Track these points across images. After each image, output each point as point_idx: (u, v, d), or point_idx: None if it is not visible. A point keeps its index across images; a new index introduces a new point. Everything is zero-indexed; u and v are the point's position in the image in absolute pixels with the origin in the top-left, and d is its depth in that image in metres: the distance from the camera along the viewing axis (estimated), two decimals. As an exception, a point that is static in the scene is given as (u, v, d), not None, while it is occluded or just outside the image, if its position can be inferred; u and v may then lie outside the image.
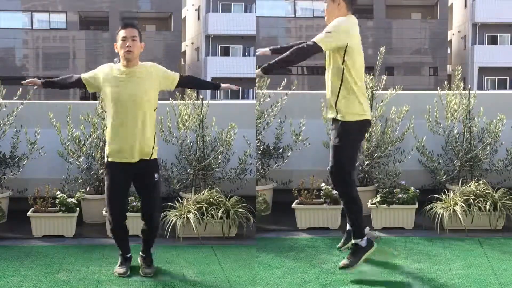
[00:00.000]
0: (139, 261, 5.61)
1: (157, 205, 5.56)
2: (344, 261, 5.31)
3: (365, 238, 5.33)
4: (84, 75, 5.45)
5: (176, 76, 5.48)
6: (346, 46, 5.10)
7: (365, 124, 5.31)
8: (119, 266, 5.57)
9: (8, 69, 37.40)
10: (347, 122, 5.19)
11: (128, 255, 5.64)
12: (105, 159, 5.41)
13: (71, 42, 39.63)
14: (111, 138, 5.31)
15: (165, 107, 7.33)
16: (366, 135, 6.51)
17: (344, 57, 5.12)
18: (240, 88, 5.43)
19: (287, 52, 5.14)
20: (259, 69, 5.21)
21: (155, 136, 5.41)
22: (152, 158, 5.38)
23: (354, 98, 5.17)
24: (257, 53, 5.68)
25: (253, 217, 6.57)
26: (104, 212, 6.60)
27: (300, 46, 5.14)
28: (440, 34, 40.15)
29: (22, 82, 5.50)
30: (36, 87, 5.52)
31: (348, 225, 5.58)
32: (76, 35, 39.71)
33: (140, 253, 5.63)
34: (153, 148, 5.38)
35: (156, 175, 5.42)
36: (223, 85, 5.86)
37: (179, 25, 41.23)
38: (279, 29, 39.42)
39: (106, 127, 5.42)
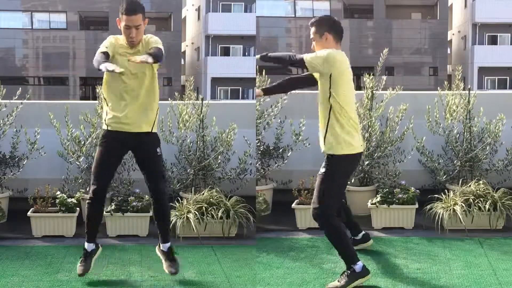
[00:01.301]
0: (157, 252, 5.48)
1: (163, 178, 5.41)
2: (334, 283, 5.11)
3: (359, 263, 5.13)
4: (104, 50, 5.08)
5: (153, 45, 5.13)
6: (331, 76, 5.03)
7: (355, 158, 5.20)
8: (80, 263, 5.36)
9: (8, 69, 37.50)
10: (335, 156, 5.11)
11: (93, 246, 5.41)
12: (104, 127, 5.28)
13: (71, 42, 39.74)
14: (112, 108, 5.20)
15: (165, 107, 7.32)
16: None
17: (330, 88, 5.06)
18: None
19: (284, 80, 5.41)
20: (260, 89, 5.45)
21: (157, 111, 5.28)
22: (152, 131, 5.28)
23: (344, 131, 5.07)
24: (255, 94, 5.77)
25: (253, 217, 6.57)
26: (104, 212, 6.60)
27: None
28: (440, 34, 40.20)
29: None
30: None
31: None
32: (76, 35, 39.79)
33: (161, 245, 5.44)
34: (154, 121, 5.27)
35: (158, 150, 5.31)
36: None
37: (179, 25, 41.33)
38: (279, 29, 39.46)
39: (105, 99, 5.27)
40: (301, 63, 5.10)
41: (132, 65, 5.06)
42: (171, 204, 6.60)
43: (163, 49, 5.06)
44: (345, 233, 5.31)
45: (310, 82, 5.39)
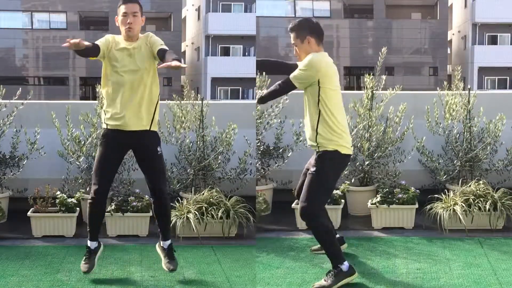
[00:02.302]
0: (157, 250, 5.52)
1: (164, 178, 5.42)
2: (321, 282, 5.12)
3: (345, 262, 5.14)
4: (98, 42, 5.17)
5: (156, 49, 5.13)
6: (318, 82, 5.03)
7: (344, 158, 5.20)
8: (84, 261, 5.39)
9: (8, 69, 37.54)
10: (326, 151, 5.11)
11: (96, 244, 5.45)
12: (104, 126, 5.28)
13: None
14: (110, 105, 5.19)
15: (164, 107, 7.34)
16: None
17: (318, 94, 5.06)
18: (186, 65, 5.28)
19: (275, 86, 5.28)
20: (256, 100, 5.51)
21: (156, 109, 5.26)
22: (151, 129, 5.25)
23: (333, 131, 5.08)
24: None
25: (253, 217, 6.58)
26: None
27: (279, 84, 5.23)
28: (440, 34, 40.24)
29: (65, 43, 4.79)
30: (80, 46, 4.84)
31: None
32: (75, 35, 39.69)
33: (161, 242, 5.48)
34: (152, 119, 5.24)
35: (158, 149, 5.29)
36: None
37: (179, 25, 41.38)
38: (279, 29, 39.43)
39: (104, 96, 5.27)
40: (290, 86, 5.14)
41: (132, 61, 5.13)
42: (171, 204, 6.66)
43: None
44: (333, 232, 5.35)
45: (293, 88, 5.28)
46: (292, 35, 5.24)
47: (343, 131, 5.15)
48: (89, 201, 5.33)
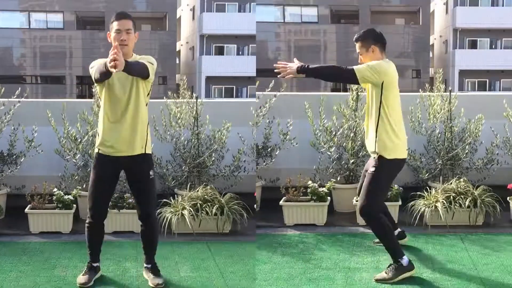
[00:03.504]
0: (144, 275, 5.34)
1: (154, 202, 5.26)
2: (382, 275, 5.25)
3: (405, 257, 5.27)
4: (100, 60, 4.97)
5: (143, 60, 5.00)
6: (382, 84, 5.15)
7: (400, 162, 5.38)
8: (82, 274, 5.23)
9: (6, 68, 37.32)
10: (385, 158, 5.27)
11: (96, 265, 5.31)
12: (96, 150, 5.12)
13: (68, 42, 39.64)
14: (102, 130, 5.04)
15: (159, 106, 7.41)
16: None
17: (381, 96, 5.18)
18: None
19: (325, 65, 5.24)
20: (296, 67, 5.13)
21: (147, 131, 5.13)
22: (146, 152, 5.10)
23: (391, 137, 5.24)
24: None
25: (246, 214, 6.64)
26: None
27: (338, 66, 5.21)
28: (423, 38, 40.72)
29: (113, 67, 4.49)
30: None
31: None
32: (73, 34, 39.68)
33: (145, 265, 5.34)
34: (146, 142, 5.10)
35: (151, 172, 5.13)
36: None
37: (174, 25, 41.16)
38: (269, 33, 39.62)
39: (99, 106, 5.13)
40: (350, 74, 5.11)
41: (124, 81, 4.95)
42: (166, 200, 6.69)
43: (150, 67, 4.93)
44: (391, 228, 5.43)
45: (353, 80, 5.23)
46: (357, 44, 5.35)
47: (400, 136, 5.31)
48: (86, 225, 5.23)
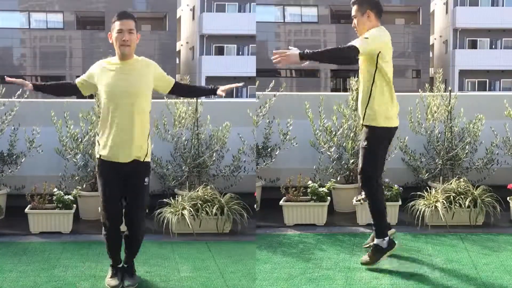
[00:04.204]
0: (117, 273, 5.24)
1: (142, 211, 5.07)
2: (365, 257, 5.47)
3: (386, 238, 5.43)
4: (78, 80, 5.11)
5: (171, 81, 5.18)
6: (379, 53, 5.19)
7: (391, 131, 5.44)
8: (110, 277, 5.17)
9: (6, 68, 37.28)
10: (374, 127, 5.33)
11: (120, 266, 5.23)
12: (97, 156, 5.04)
13: (68, 42, 39.66)
14: (103, 135, 4.96)
15: (160, 105, 7.42)
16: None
17: (376, 64, 5.21)
18: (242, 83, 5.06)
19: (324, 49, 5.16)
20: (299, 53, 5.00)
21: (148, 137, 5.06)
22: (145, 160, 5.02)
23: (383, 105, 5.30)
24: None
25: (246, 214, 6.65)
26: (100, 209, 6.67)
27: (338, 47, 5.12)
28: (423, 38, 40.79)
29: (7, 79, 5.04)
30: (25, 88, 5.05)
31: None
32: (72, 34, 39.70)
33: (123, 263, 5.24)
34: (146, 150, 5.01)
35: (146, 179, 5.03)
36: (221, 87, 5.26)
37: (174, 25, 41.20)
38: (269, 33, 39.68)
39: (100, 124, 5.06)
40: (352, 51, 5.03)
41: (126, 82, 4.87)
42: (166, 200, 6.71)
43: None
44: (384, 205, 5.56)
45: (354, 54, 5.09)
46: (353, 7, 5.36)
47: (393, 102, 5.38)
48: (104, 234, 5.10)
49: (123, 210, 5.06)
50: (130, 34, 4.87)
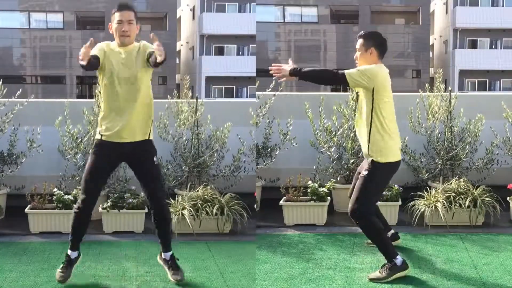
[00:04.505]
0: (162, 265, 5.33)
1: (161, 186, 5.21)
2: (376, 274, 5.27)
3: (398, 257, 5.29)
4: (96, 53, 4.95)
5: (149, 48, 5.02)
6: (373, 90, 5.18)
7: (394, 167, 5.41)
8: (60, 269, 5.16)
9: (6, 68, 37.38)
10: (378, 163, 5.30)
11: (76, 254, 5.23)
12: (98, 136, 5.08)
13: (68, 42, 39.75)
14: (106, 116, 5.01)
15: (161, 105, 7.44)
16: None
17: (372, 102, 5.21)
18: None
19: (317, 69, 5.29)
20: (289, 69, 5.16)
21: (151, 117, 5.12)
22: (149, 138, 5.10)
23: (384, 141, 5.28)
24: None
25: (247, 214, 6.65)
26: (100, 209, 6.70)
27: (330, 70, 5.25)
28: (423, 38, 40.84)
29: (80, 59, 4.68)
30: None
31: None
32: (72, 34, 39.77)
33: (163, 256, 5.32)
34: (150, 128, 5.10)
35: (155, 158, 5.14)
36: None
37: (174, 25, 41.30)
38: (269, 33, 39.71)
39: (100, 106, 5.08)
40: (340, 79, 5.15)
41: (126, 67, 4.95)
42: (166, 200, 6.75)
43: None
44: (382, 229, 5.44)
45: (340, 79, 5.22)
46: (359, 40, 5.39)
47: (394, 138, 5.36)
48: (75, 210, 5.13)
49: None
50: (129, 25, 4.97)
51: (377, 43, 5.36)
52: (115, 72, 4.97)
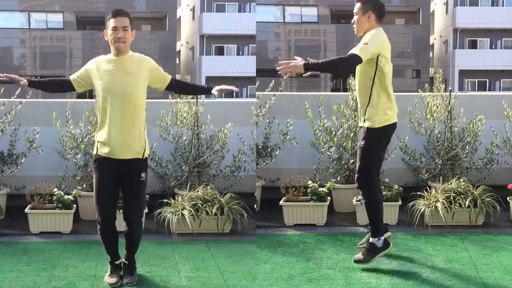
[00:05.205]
0: (124, 261, 5.32)
1: (138, 207, 5.13)
2: (359, 256, 5.48)
3: (382, 238, 5.44)
4: (73, 76, 5.09)
5: (168, 77, 5.17)
6: (379, 55, 5.21)
7: (389, 129, 5.43)
8: (109, 276, 5.21)
9: (6, 69, 37.22)
10: (373, 128, 5.34)
11: (118, 262, 5.26)
12: (95, 152, 5.05)
13: (68, 42, 39.72)
14: (101, 132, 4.98)
15: (161, 105, 7.45)
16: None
17: (376, 66, 5.23)
18: (238, 89, 5.13)
19: (328, 59, 5.08)
20: (301, 63, 4.95)
21: (145, 136, 5.08)
22: (143, 157, 5.04)
23: (383, 105, 5.31)
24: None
25: (247, 214, 6.66)
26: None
27: (340, 57, 5.14)
28: (423, 38, 40.85)
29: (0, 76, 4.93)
30: (21, 83, 4.97)
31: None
32: (72, 35, 39.76)
33: (123, 259, 5.29)
34: (144, 147, 5.04)
35: (142, 175, 5.04)
36: (216, 87, 5.40)
37: (174, 25, 41.26)
38: (269, 33, 39.72)
39: (98, 118, 5.08)
40: (355, 60, 5.04)
41: (122, 78, 4.90)
42: (166, 200, 6.73)
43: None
44: (381, 204, 5.57)
45: (358, 63, 5.11)
46: (357, 4, 5.39)
47: (392, 100, 5.40)
48: (99, 232, 5.15)
49: (121, 208, 5.13)
50: (124, 32, 4.91)
51: (375, 6, 5.37)
52: (110, 83, 4.92)
